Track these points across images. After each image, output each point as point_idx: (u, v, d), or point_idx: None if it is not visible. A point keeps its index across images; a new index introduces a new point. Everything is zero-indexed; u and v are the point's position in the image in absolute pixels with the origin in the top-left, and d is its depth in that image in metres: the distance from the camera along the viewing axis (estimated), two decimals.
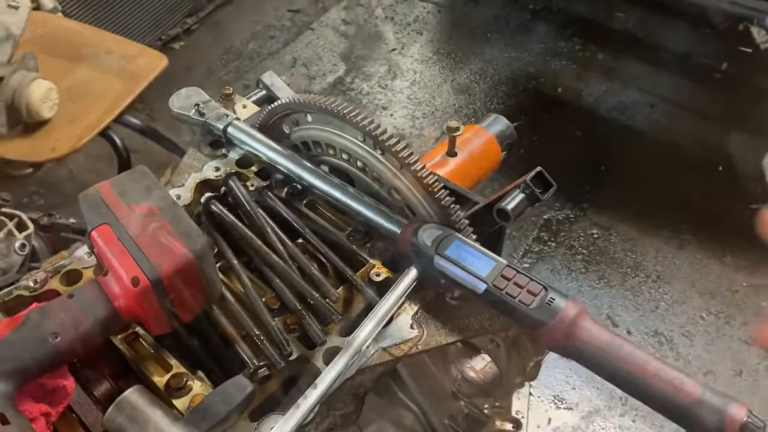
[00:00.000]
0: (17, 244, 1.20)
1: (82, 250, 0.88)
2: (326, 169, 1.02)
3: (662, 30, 3.33)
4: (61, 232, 1.44)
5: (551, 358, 0.93)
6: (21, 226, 1.27)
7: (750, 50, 2.95)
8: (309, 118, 0.97)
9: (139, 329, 0.81)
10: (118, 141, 2.07)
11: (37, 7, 2.27)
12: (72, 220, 1.48)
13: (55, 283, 0.84)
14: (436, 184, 0.84)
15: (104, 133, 1.92)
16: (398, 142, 0.85)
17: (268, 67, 3.18)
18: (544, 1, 3.48)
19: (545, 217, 2.56)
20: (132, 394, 0.67)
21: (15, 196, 2.55)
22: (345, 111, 0.86)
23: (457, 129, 1.12)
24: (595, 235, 2.51)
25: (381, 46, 3.30)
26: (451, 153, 1.16)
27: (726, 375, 2.15)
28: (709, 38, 3.24)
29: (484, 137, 1.18)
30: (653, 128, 2.88)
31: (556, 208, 2.59)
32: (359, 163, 0.93)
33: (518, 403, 1.65)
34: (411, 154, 0.85)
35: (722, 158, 2.72)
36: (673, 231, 2.51)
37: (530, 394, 2.18)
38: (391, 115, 2.96)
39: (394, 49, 3.27)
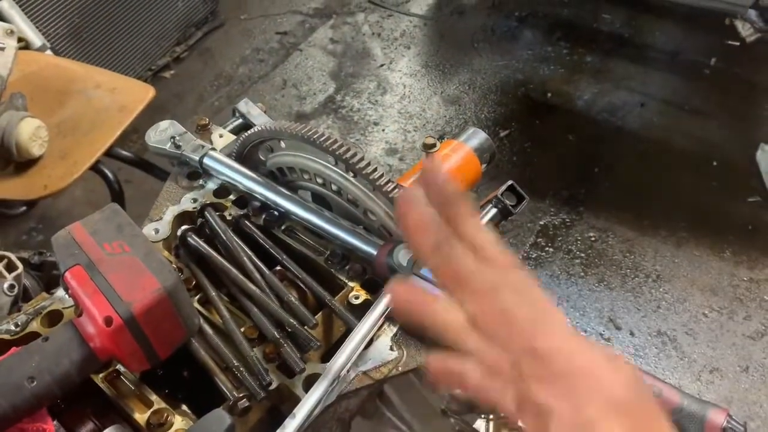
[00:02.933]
0: (6, 285, 1.20)
1: (62, 290, 0.89)
2: (306, 194, 1.03)
3: (649, 29, 3.34)
4: (53, 270, 1.45)
5: None
6: (10, 267, 1.27)
7: (737, 44, 2.95)
8: (282, 144, 0.98)
9: (120, 367, 0.81)
10: (109, 174, 2.08)
11: (25, 46, 2.30)
12: None
13: (36, 325, 0.85)
14: None
15: (96, 168, 1.94)
16: (368, 164, 0.85)
17: (259, 90, 3.20)
18: (529, 7, 3.50)
19: (541, 222, 2.56)
20: None
21: (13, 233, 2.59)
22: (314, 136, 0.87)
23: (434, 146, 1.12)
24: (593, 238, 2.51)
25: (369, 62, 3.32)
26: None
27: (732, 372, 2.13)
28: (696, 34, 3.24)
29: (462, 152, 1.18)
30: (645, 128, 2.88)
31: (551, 213, 2.58)
32: (333, 187, 0.94)
33: None
34: (382, 175, 0.85)
35: (716, 153, 2.72)
36: (670, 229, 2.50)
37: None
38: (383, 130, 2.97)
39: (382, 65, 3.29)
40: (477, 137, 1.21)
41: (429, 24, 3.53)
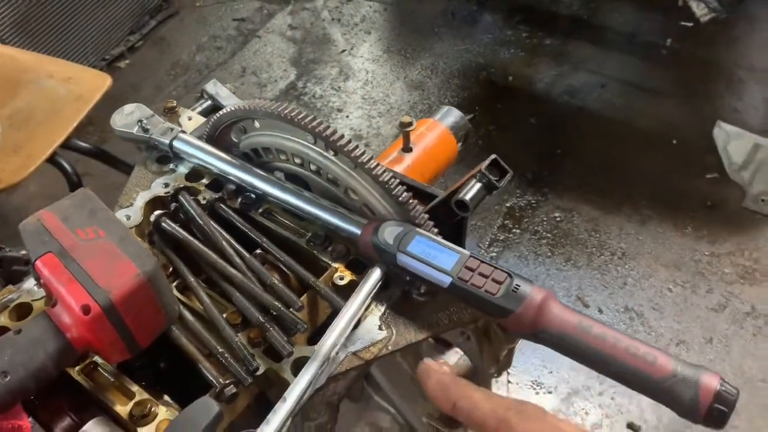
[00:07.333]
0: None
1: (30, 282, 0.84)
2: (281, 175, 1.00)
3: (607, 11, 3.38)
4: (13, 265, 1.38)
5: (525, 344, 0.92)
6: None
7: (691, 24, 3.02)
8: (257, 124, 0.94)
9: (97, 358, 0.77)
10: (67, 166, 2.00)
11: None
12: (23, 252, 1.42)
13: (4, 320, 0.80)
14: (392, 180, 0.83)
15: (52, 160, 1.86)
16: (349, 141, 0.83)
17: (217, 78, 3.10)
18: None
19: (508, 204, 2.58)
20: (91, 429, 0.64)
21: None
22: (292, 114, 0.84)
23: (410, 124, 1.10)
24: (558, 219, 2.53)
25: (330, 48, 3.28)
26: (407, 149, 1.14)
27: (697, 343, 2.19)
28: (652, 15, 3.30)
29: (438, 130, 1.17)
30: (605, 108, 2.92)
31: (517, 195, 2.60)
32: (312, 167, 0.91)
33: (498, 391, 1.65)
34: (363, 152, 0.83)
35: (675, 132, 2.77)
36: (633, 207, 2.55)
37: (509, 381, 2.19)
38: (347, 116, 2.94)
39: (343, 51, 3.25)
40: (452, 115, 1.21)
41: (389, 9, 3.50)
